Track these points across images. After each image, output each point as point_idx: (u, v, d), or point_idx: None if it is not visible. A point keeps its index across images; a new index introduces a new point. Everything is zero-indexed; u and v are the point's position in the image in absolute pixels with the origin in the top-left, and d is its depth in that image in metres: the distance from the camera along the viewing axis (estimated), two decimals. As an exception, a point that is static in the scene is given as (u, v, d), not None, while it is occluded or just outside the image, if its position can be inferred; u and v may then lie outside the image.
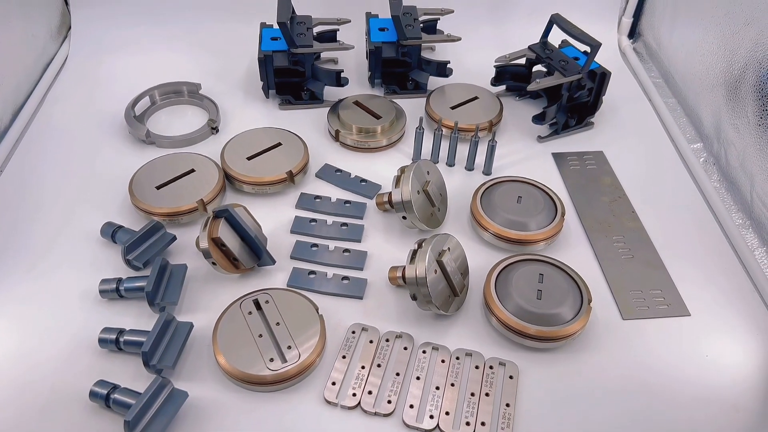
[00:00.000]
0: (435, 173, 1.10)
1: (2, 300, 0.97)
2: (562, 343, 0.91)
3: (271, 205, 1.13)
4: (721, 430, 0.85)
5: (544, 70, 1.33)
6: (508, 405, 0.85)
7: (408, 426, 0.83)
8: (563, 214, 1.07)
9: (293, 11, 1.31)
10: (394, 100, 1.34)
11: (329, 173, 1.20)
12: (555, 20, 1.27)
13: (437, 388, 0.87)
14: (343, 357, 0.90)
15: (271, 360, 0.86)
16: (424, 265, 0.89)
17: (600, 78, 1.24)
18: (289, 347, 0.87)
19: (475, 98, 1.34)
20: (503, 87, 1.42)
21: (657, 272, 1.04)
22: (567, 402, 0.87)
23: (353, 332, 0.93)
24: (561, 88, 1.24)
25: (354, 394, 0.85)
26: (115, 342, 0.88)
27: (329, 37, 1.38)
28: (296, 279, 1.00)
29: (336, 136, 1.27)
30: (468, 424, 0.82)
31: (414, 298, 0.92)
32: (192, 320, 0.91)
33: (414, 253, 0.93)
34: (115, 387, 0.82)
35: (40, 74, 1.43)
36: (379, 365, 0.89)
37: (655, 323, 0.96)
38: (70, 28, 1.54)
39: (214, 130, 1.29)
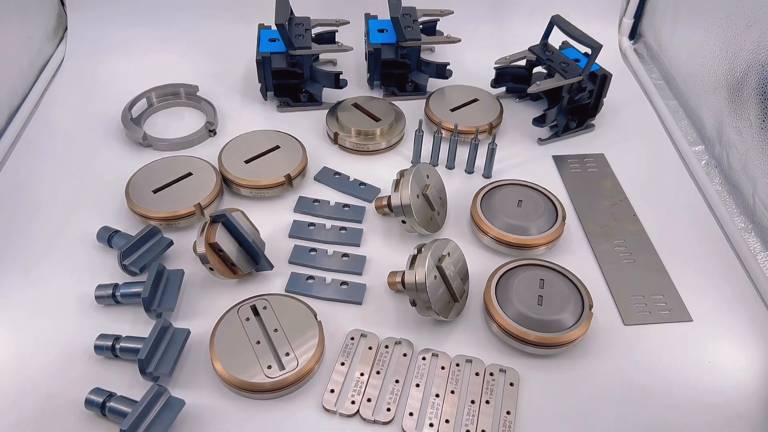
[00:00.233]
0: (434, 176, 1.09)
1: (-3, 306, 0.96)
2: (564, 350, 0.90)
3: (269, 208, 1.12)
4: (724, 437, 0.84)
5: (545, 71, 1.32)
6: (508, 412, 0.84)
7: (407, 434, 0.82)
8: (564, 218, 1.06)
9: (291, 12, 1.30)
10: (394, 102, 1.33)
11: (328, 176, 1.19)
12: (555, 22, 1.26)
13: (437, 395, 0.86)
14: (342, 364, 0.89)
15: (269, 367, 0.85)
16: (423, 270, 0.88)
17: (601, 80, 1.23)
18: (288, 354, 0.86)
19: (475, 100, 1.33)
20: (503, 89, 1.41)
21: (658, 276, 1.03)
22: (568, 409, 0.86)
23: (352, 338, 0.92)
24: (562, 90, 1.23)
25: (353, 402, 0.84)
26: (111, 349, 0.87)
27: (328, 38, 1.37)
28: (294, 284, 0.99)
29: (335, 139, 1.26)
30: (468, 432, 0.82)
31: (413, 304, 0.91)
32: (189, 326, 0.90)
33: (413, 258, 0.92)
34: (111, 395, 0.81)
35: (36, 76, 1.41)
36: (378, 372, 0.88)
37: (656, 329, 0.96)
38: (66, 29, 1.52)
39: (212, 132, 1.28)
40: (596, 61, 1.21)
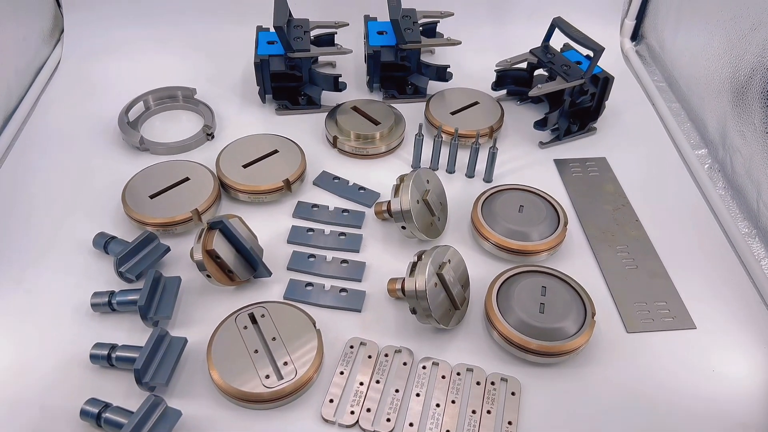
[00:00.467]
0: (435, 181, 1.08)
1: (-9, 313, 0.95)
2: (566, 358, 0.89)
3: (268, 214, 1.11)
4: (729, 448, 0.83)
5: (546, 74, 1.31)
6: (510, 423, 0.83)
7: (408, 445, 0.81)
8: (566, 224, 1.05)
9: (290, 14, 1.28)
10: (393, 105, 1.32)
11: (327, 181, 1.18)
12: (557, 24, 1.24)
13: (437, 405, 0.84)
14: (341, 373, 0.88)
15: (267, 377, 0.83)
16: (423, 278, 0.87)
17: (603, 83, 1.22)
18: (286, 363, 0.85)
19: (476, 103, 1.31)
20: (504, 91, 1.40)
21: (661, 283, 1.02)
22: (571, 418, 0.84)
23: (351, 347, 0.91)
24: (563, 93, 1.22)
25: (352, 412, 0.83)
26: (107, 358, 0.86)
27: (327, 40, 1.36)
28: (293, 291, 0.98)
29: (334, 143, 1.25)
30: (469, 443, 0.80)
31: (414, 311, 0.90)
32: (186, 335, 0.89)
33: (413, 265, 0.91)
34: (106, 405, 0.80)
35: (32, 78, 1.40)
36: (377, 381, 0.87)
37: (660, 336, 0.94)
38: (62, 31, 1.51)
39: (210, 136, 1.27)
40: (598, 63, 1.20)
